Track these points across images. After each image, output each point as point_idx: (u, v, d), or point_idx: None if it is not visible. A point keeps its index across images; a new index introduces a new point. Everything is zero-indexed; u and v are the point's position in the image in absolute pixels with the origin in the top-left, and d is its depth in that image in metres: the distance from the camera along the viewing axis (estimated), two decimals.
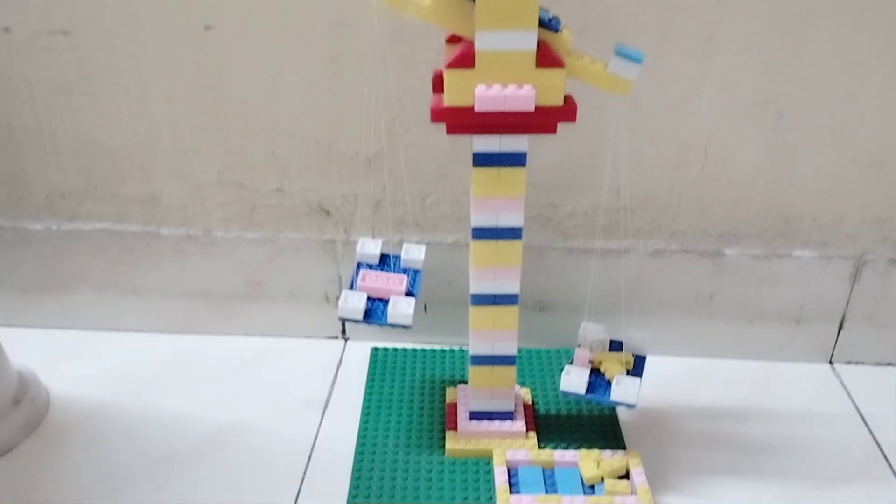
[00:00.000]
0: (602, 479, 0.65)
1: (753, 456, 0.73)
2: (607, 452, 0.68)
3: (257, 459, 0.71)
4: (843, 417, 0.78)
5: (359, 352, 0.86)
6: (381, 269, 0.71)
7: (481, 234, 0.63)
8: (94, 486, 0.68)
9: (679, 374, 0.83)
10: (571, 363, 0.68)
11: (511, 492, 0.65)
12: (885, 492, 0.69)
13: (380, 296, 0.69)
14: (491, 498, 0.66)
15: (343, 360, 0.85)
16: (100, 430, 0.74)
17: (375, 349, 0.86)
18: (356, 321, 0.67)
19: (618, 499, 0.63)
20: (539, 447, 0.72)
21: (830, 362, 0.86)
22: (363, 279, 0.69)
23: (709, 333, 0.84)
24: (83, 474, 0.69)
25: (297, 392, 0.80)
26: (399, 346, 0.87)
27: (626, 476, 0.67)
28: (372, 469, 0.70)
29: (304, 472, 0.70)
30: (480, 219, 0.62)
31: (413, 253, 0.72)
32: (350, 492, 0.67)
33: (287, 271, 0.84)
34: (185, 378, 0.81)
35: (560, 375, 0.67)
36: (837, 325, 0.83)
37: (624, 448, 0.73)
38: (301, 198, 0.80)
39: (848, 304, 0.82)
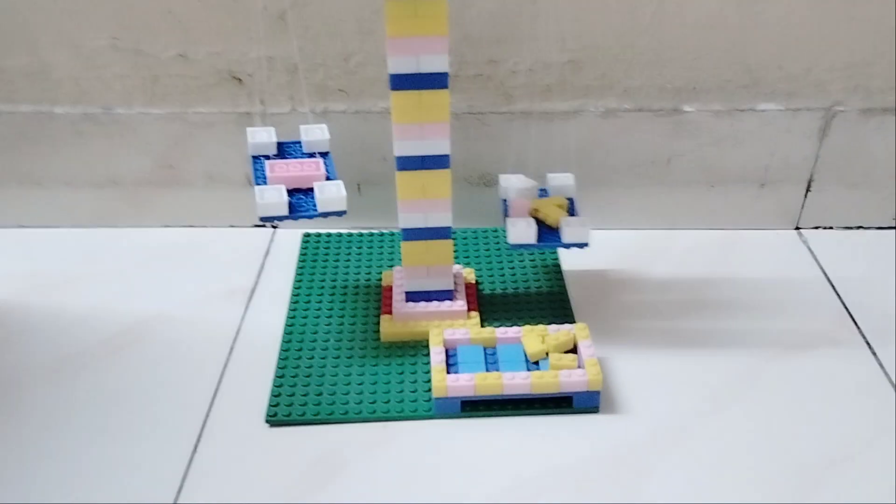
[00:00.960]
0: (547, 355, 0.59)
1: (714, 324, 0.67)
2: (553, 327, 0.62)
3: (174, 353, 0.65)
4: (810, 283, 0.72)
5: (289, 239, 0.79)
6: (282, 160, 0.63)
7: (401, 82, 0.55)
8: None
9: (634, 248, 0.77)
10: (508, 216, 0.63)
11: (448, 372, 0.59)
12: (854, 357, 0.64)
13: (299, 185, 0.61)
14: (428, 380, 0.61)
15: (271, 249, 0.78)
16: (3, 327, 0.67)
17: (307, 235, 0.79)
18: (281, 218, 0.59)
19: (563, 374, 0.57)
20: (482, 326, 0.66)
21: (797, 228, 0.80)
22: (272, 170, 0.61)
23: (666, 202, 0.78)
24: None
25: (220, 283, 0.73)
26: (333, 230, 0.80)
27: (574, 350, 0.61)
28: (299, 358, 0.64)
29: (226, 364, 0.64)
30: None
31: (315, 134, 0.64)
32: (274, 381, 0.61)
33: (202, 152, 0.75)
34: (97, 274, 0.74)
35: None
36: (805, 187, 0.77)
37: (573, 322, 0.67)
38: (208, 64, 0.71)
39: (816, 162, 0.75)
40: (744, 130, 0.74)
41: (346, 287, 0.72)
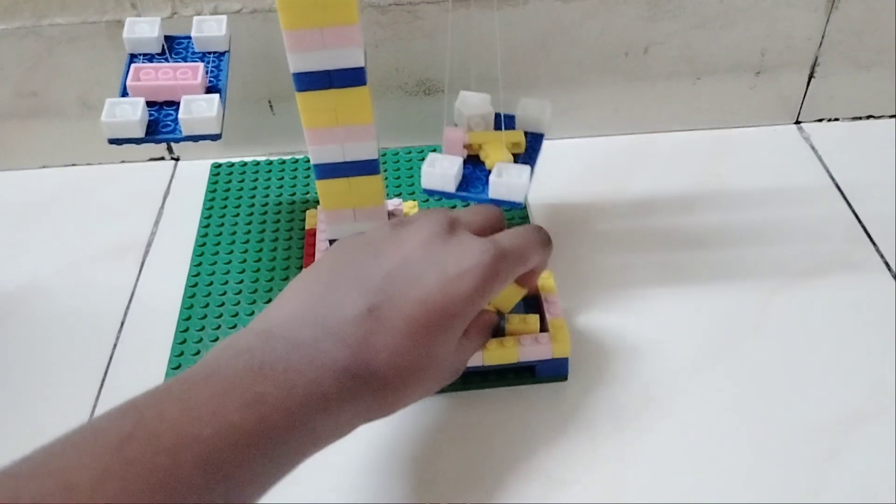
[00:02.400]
0: (502, 315, 0.48)
1: (705, 251, 0.56)
2: None
3: (58, 324, 0.53)
4: (816, 191, 0.61)
5: (194, 172, 0.65)
6: (166, 61, 0.49)
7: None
8: None
9: (606, 158, 0.65)
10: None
11: None
12: (874, 282, 0.53)
13: (166, 98, 0.47)
14: None
15: (172, 188, 0.65)
16: None
17: (217, 166, 0.66)
18: (137, 140, 0.45)
19: (525, 342, 0.46)
20: None
21: (797, 122, 0.67)
22: (136, 77, 0.47)
23: (644, 100, 0.65)
24: None
25: (109, 235, 0.60)
26: (247, 159, 0.66)
27: (537, 306, 0.50)
28: (202, 329, 0.52)
29: (119, 335, 0.52)
30: None
31: (210, 28, 0.50)
32: (170, 361, 0.50)
33: (68, 73, 0.61)
34: None
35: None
36: (808, 73, 0.64)
37: None
38: None
39: (822, 40, 0.62)
40: (736, 7, 0.60)
41: (262, 233, 0.59)
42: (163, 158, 0.67)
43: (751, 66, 0.63)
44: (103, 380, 0.50)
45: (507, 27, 0.59)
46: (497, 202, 0.46)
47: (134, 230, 0.60)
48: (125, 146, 0.45)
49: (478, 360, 0.46)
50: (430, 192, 0.47)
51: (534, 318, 0.47)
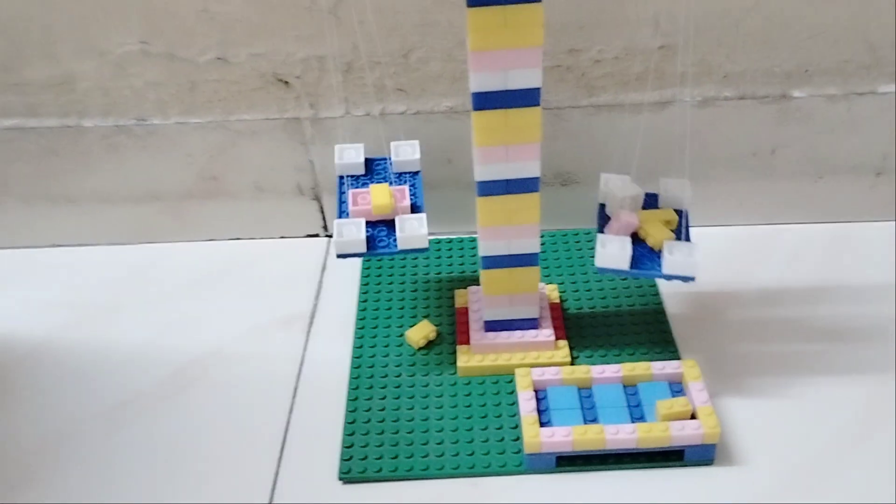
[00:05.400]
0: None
1: (834, 343, 0.59)
2: (657, 364, 0.55)
3: (234, 394, 0.59)
4: None
5: None
6: (370, 181, 0.57)
7: (485, 101, 0.47)
8: (38, 442, 0.56)
9: (734, 247, 0.69)
10: (602, 232, 0.54)
11: (540, 419, 0.52)
12: None
13: (382, 217, 0.54)
14: (517, 431, 0.54)
15: (328, 262, 0.71)
16: (44, 371, 0.61)
17: None
18: (360, 255, 0.53)
19: (674, 426, 0.50)
20: (572, 358, 0.59)
21: None
22: (355, 202, 0.55)
23: (770, 196, 0.69)
24: (24, 428, 0.57)
25: (276, 305, 0.66)
26: None
27: (681, 391, 0.54)
28: (370, 399, 0.57)
29: (292, 405, 0.58)
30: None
31: (406, 153, 0.58)
32: (345, 428, 0.55)
33: (247, 161, 0.68)
34: (140, 299, 0.68)
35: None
36: None
37: (675, 350, 0.60)
38: (250, 67, 0.63)
39: None
40: (860, 116, 0.64)
41: (415, 307, 0.65)
42: (317, 235, 0.73)
43: (871, 168, 0.67)
44: (280, 456, 0.55)
45: (647, 127, 0.64)
46: (670, 277, 0.51)
47: (297, 301, 0.66)
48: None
49: (632, 443, 0.50)
50: (604, 271, 0.52)
51: (683, 402, 0.51)
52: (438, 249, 0.71)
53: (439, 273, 0.68)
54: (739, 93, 0.63)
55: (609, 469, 0.52)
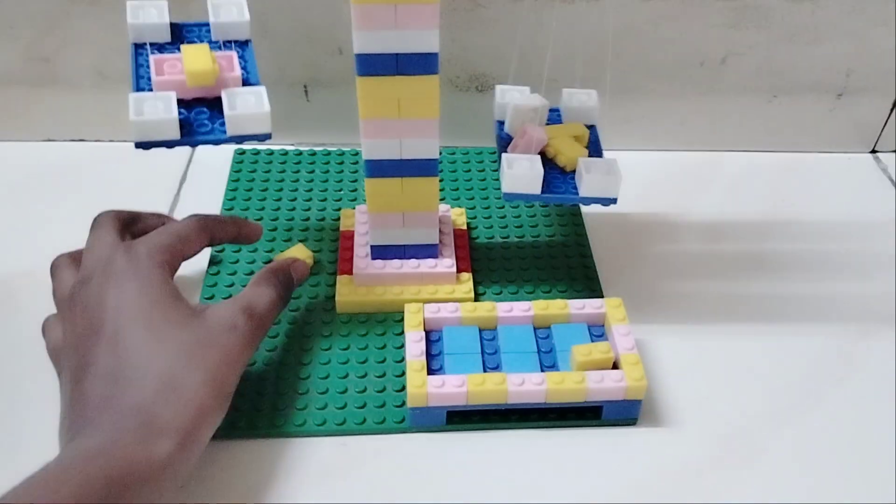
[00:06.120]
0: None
1: (779, 285, 0.50)
2: (576, 303, 0.45)
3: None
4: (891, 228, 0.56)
5: (214, 157, 0.59)
6: (177, 50, 0.42)
7: None
8: None
9: (671, 174, 0.59)
10: (505, 150, 0.44)
11: (430, 367, 0.42)
12: None
13: (200, 92, 0.40)
14: (402, 381, 0.44)
15: (190, 173, 0.58)
16: None
17: (240, 153, 0.60)
18: (171, 143, 0.39)
19: (592, 377, 0.40)
20: (476, 295, 0.48)
21: (874, 151, 0.62)
22: (159, 70, 0.40)
23: (715, 116, 0.59)
24: None
25: None
26: (275, 146, 0.60)
27: (602, 335, 0.44)
28: None
29: None
30: None
31: (229, 13, 0.43)
32: None
33: (84, 36, 0.54)
34: None
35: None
36: (892, 101, 0.59)
37: (598, 288, 0.50)
38: None
39: None
40: (826, 20, 0.55)
41: (290, 230, 0.53)
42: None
43: (833, 87, 0.58)
44: None
45: (574, 23, 0.54)
46: (588, 201, 0.41)
47: None
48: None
49: (539, 396, 0.40)
50: (512, 197, 0.41)
51: (604, 347, 0.42)
52: (327, 163, 0.59)
53: (324, 192, 0.57)
54: None
55: (511, 428, 0.42)
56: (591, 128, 0.47)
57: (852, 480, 0.40)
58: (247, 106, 0.39)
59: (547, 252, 0.52)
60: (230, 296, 0.46)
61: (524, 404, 0.41)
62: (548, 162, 0.44)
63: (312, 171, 0.58)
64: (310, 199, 0.56)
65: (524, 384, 0.40)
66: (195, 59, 0.39)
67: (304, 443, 0.41)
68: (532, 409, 0.42)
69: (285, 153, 0.60)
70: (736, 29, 0.55)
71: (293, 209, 0.55)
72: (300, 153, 0.60)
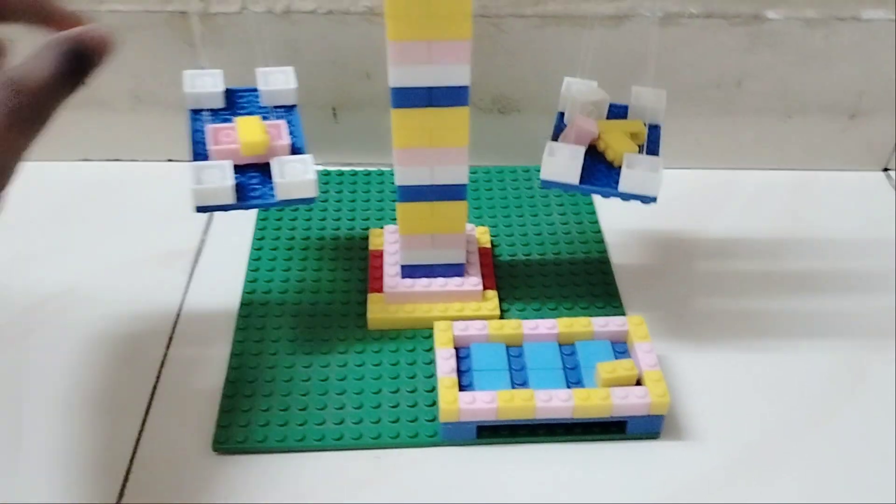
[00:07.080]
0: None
1: (796, 303, 0.52)
2: (599, 320, 0.46)
3: (94, 341, 0.49)
4: None
5: None
6: (232, 115, 0.45)
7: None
8: None
9: (689, 192, 0.61)
10: (556, 140, 0.45)
11: (461, 382, 0.44)
12: None
13: (252, 159, 0.43)
14: (433, 396, 0.45)
15: None
16: None
17: None
18: (226, 207, 0.41)
19: (616, 394, 0.42)
20: (501, 311, 0.50)
21: (885, 170, 0.64)
22: (216, 139, 0.43)
23: (732, 135, 0.61)
24: None
25: (156, 239, 0.56)
26: None
27: (625, 352, 0.46)
28: (258, 355, 0.48)
29: (164, 357, 0.48)
30: None
31: (277, 81, 0.45)
32: (227, 383, 0.46)
33: (123, 64, 0.56)
34: None
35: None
36: None
37: (620, 305, 0.52)
38: None
39: None
40: (840, 45, 0.57)
41: (320, 249, 0.55)
42: None
43: (846, 108, 0.60)
44: (151, 399, 0.46)
45: (599, 46, 0.55)
46: (627, 196, 0.42)
47: (182, 237, 0.56)
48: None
49: (566, 412, 0.42)
50: (549, 185, 0.43)
51: (628, 365, 0.43)
52: (354, 183, 0.61)
53: (352, 211, 0.59)
54: (707, 9, 0.54)
55: (539, 442, 0.44)
56: (655, 128, 0.47)
57: (872, 494, 0.42)
58: (294, 174, 0.41)
59: (568, 269, 0.54)
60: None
61: (551, 420, 0.43)
62: (597, 155, 0.45)
63: (340, 192, 0.60)
64: (338, 219, 0.58)
65: (551, 400, 0.42)
66: (249, 130, 0.42)
67: (341, 456, 0.43)
68: (559, 424, 0.43)
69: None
70: (751, 52, 0.57)
71: (323, 228, 0.57)
72: (328, 173, 0.62)
